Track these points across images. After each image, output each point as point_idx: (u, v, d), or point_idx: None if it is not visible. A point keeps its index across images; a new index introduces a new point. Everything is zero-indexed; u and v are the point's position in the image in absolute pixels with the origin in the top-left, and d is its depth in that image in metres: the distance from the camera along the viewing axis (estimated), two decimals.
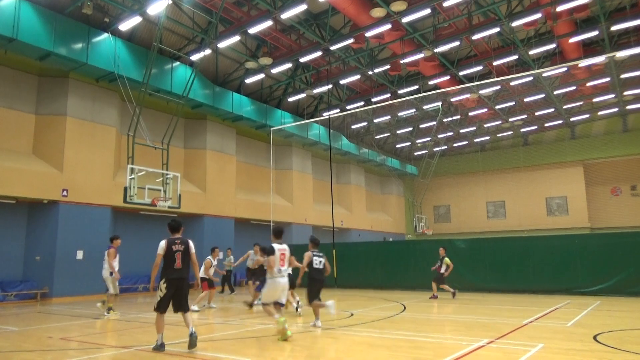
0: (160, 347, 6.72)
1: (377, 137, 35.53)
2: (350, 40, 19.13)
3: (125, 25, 16.92)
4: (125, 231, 18.94)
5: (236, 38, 18.40)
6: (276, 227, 8.57)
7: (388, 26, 17.98)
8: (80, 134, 17.21)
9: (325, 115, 24.81)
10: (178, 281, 6.84)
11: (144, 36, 19.16)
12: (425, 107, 28.53)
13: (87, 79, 17.71)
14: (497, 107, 28.80)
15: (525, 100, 28.30)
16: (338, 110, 27.17)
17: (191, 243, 7.17)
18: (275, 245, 7.92)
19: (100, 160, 17.73)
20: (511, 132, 35.60)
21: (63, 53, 15.78)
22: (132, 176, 14.79)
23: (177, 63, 19.70)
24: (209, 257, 13.36)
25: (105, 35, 17.10)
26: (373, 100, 26.38)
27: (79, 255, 16.59)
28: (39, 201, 16.46)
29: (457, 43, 19.78)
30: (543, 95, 27.29)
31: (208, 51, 18.91)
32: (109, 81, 17.87)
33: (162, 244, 6.90)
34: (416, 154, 39.57)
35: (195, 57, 18.88)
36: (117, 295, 11.71)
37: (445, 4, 16.82)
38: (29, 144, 16.78)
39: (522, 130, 34.94)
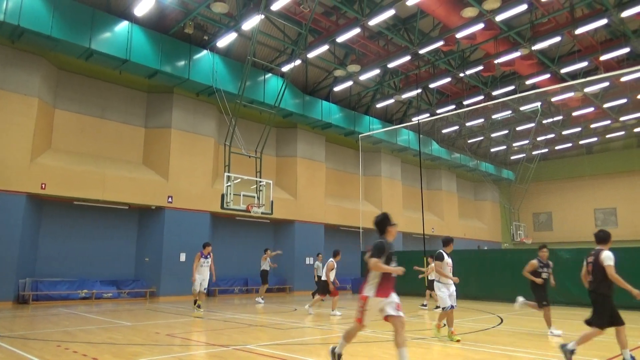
0: (567, 350, 6.18)
1: (469, 141, 34.17)
2: (440, 43, 18.65)
3: (222, 42, 18.02)
4: (223, 235, 20.06)
5: (325, 47, 18.77)
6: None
7: (481, 26, 17.29)
8: (183, 145, 18.56)
9: (415, 120, 24.39)
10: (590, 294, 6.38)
11: (239, 51, 20.23)
12: (522, 108, 26.93)
13: (189, 94, 19.08)
14: (606, 105, 26.36)
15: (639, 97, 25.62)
16: (428, 114, 26.56)
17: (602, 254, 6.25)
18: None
19: (200, 168, 18.97)
20: (623, 133, 32.36)
21: (168, 70, 17.18)
22: (229, 184, 15.63)
23: (269, 75, 20.54)
24: (332, 259, 13.22)
25: (204, 52, 18.34)
26: (465, 103, 25.44)
27: (182, 257, 17.84)
28: (148, 207, 17.98)
29: (557, 39, 18.49)
30: None
31: (298, 62, 19.49)
32: (208, 95, 19.11)
33: (611, 254, 6.24)
34: (513, 158, 37.42)
35: (286, 68, 19.57)
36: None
37: None
38: (139, 154, 18.43)
39: (636, 130, 31.60)
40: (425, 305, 14.72)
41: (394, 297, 5.39)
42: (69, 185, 15.65)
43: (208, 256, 12.74)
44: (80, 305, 14.76)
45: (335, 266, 13.11)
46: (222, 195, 15.62)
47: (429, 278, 14.87)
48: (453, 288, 8.60)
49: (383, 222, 5.75)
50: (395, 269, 5.34)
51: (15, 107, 14.70)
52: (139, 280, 17.69)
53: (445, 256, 8.51)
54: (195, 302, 12.58)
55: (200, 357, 6.85)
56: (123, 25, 16.12)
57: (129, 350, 7.04)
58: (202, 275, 12.59)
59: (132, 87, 18.46)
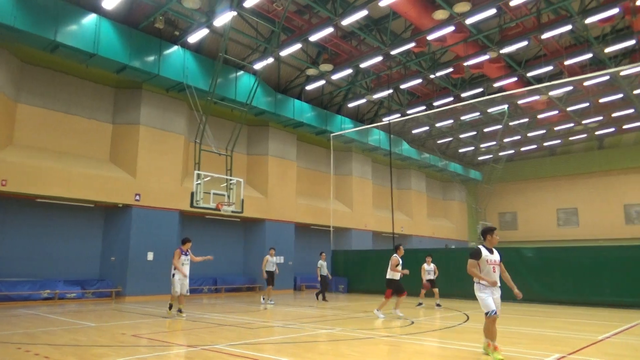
0: None
1: (439, 141, 34.76)
2: (412, 44, 18.90)
3: (193, 38, 17.74)
4: (192, 234, 19.71)
5: (298, 46, 18.74)
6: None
7: (451, 28, 17.59)
8: (151, 142, 18.20)
9: (386, 120, 24.64)
10: None
11: (210, 47, 19.98)
12: (490, 110, 27.57)
13: (159, 90, 18.72)
14: (569, 109, 27.27)
15: (601, 101, 26.60)
16: (399, 115, 26.88)
17: None
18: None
19: (169, 166, 18.65)
20: (585, 135, 33.57)
21: (137, 66, 16.80)
22: (199, 182, 15.42)
23: (241, 72, 20.36)
24: (395, 255, 12.07)
25: (175, 47, 18.02)
26: (435, 104, 25.85)
27: (150, 256, 17.51)
28: (115, 205, 17.56)
29: (524, 43, 18.99)
30: (621, 96, 25.52)
31: (270, 60, 19.39)
32: (178, 91, 18.79)
33: None
34: (480, 158, 38.29)
35: (258, 66, 19.44)
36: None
37: (511, 3, 16.22)
38: (106, 151, 17.97)
39: (597, 133, 32.82)
40: (440, 305, 14.90)
41: None
42: (31, 182, 15.11)
43: (187, 253, 11.79)
44: (43, 306, 14.30)
45: (400, 262, 12.04)
46: (192, 194, 15.39)
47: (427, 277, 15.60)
48: (498, 293, 6.72)
49: None
50: None
51: None
52: (105, 280, 17.26)
53: (485, 251, 6.65)
54: (170, 306, 11.74)
55: (168, 358, 6.75)
56: (90, 18, 15.66)
57: (93, 352, 6.88)
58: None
59: (100, 82, 17.97)
